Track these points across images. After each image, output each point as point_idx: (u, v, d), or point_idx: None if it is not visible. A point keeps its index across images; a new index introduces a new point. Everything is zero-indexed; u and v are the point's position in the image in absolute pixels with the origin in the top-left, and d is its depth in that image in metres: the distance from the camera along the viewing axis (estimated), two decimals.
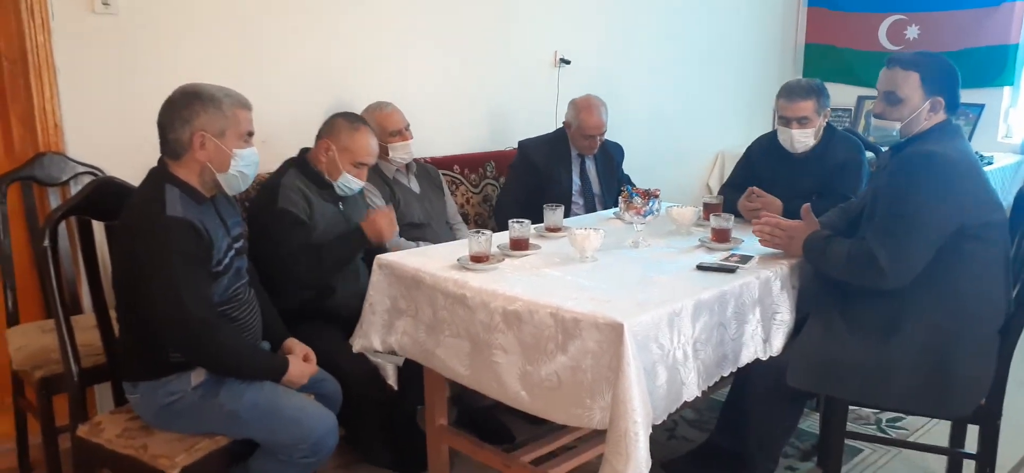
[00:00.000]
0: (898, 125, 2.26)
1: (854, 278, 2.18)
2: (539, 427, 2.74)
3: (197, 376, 1.99)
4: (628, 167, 3.71)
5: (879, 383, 2.14)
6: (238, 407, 1.98)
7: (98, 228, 2.16)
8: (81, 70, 2.63)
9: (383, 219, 2.53)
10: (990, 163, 4.40)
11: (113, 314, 2.11)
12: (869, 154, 3.10)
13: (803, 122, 2.83)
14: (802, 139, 2.85)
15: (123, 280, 1.96)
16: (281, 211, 2.49)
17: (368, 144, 2.62)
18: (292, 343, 2.23)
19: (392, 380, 2.48)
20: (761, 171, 3.00)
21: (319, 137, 2.63)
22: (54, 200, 2.64)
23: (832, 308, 2.25)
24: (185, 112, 1.94)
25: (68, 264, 2.58)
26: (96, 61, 2.65)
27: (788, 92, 2.88)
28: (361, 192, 2.79)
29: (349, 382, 2.34)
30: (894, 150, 2.29)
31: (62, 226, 2.10)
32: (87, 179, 2.56)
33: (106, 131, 2.69)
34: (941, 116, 2.24)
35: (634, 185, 3.39)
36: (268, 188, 2.57)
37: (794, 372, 2.19)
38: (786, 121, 2.86)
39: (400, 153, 2.98)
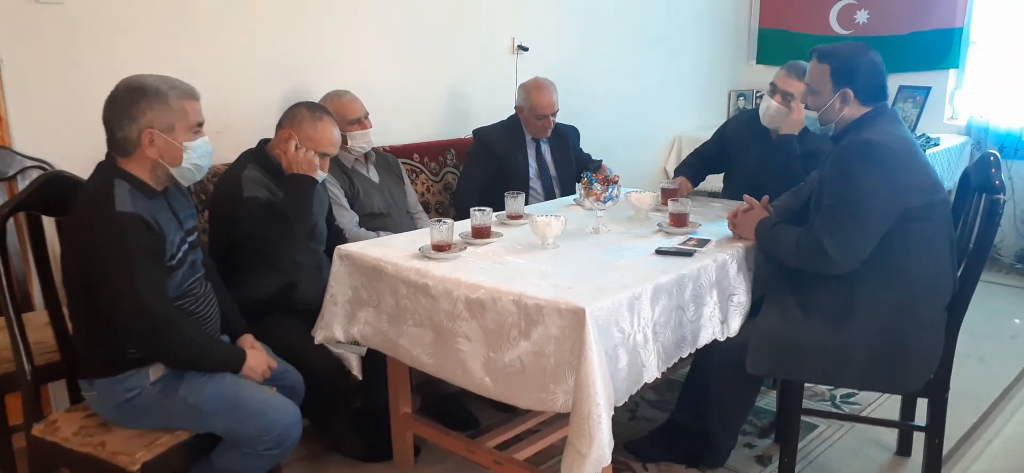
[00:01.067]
0: (815, 114, 2.32)
1: (804, 265, 2.24)
2: (504, 413, 2.76)
3: (156, 371, 1.96)
4: (585, 147, 3.73)
5: (837, 364, 2.20)
6: (199, 401, 1.96)
7: (48, 224, 2.11)
8: (26, 62, 2.55)
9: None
10: (937, 145, 4.52)
11: (66, 311, 2.06)
12: None
13: (786, 97, 2.89)
14: (776, 114, 2.90)
15: (75, 277, 1.92)
16: (248, 199, 2.42)
17: (332, 134, 2.57)
18: (247, 339, 2.20)
19: (356, 370, 2.47)
20: (735, 146, 3.06)
21: (280, 126, 2.57)
22: (1, 196, 2.56)
23: (787, 294, 2.31)
24: (131, 109, 1.87)
25: (17, 261, 2.51)
26: (41, 52, 2.58)
27: (789, 67, 2.93)
28: (322, 183, 2.76)
29: (313, 373, 2.33)
30: (834, 139, 2.34)
31: (10, 222, 2.04)
32: (35, 173, 2.50)
33: (53, 124, 2.62)
34: (857, 106, 2.25)
35: (595, 163, 3.45)
36: (229, 180, 2.50)
37: (754, 359, 2.24)
38: (773, 89, 2.92)
39: (359, 142, 2.96)
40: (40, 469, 2.03)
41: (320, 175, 2.53)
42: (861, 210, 2.11)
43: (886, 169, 2.10)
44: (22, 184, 2.51)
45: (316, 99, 2.98)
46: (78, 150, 2.43)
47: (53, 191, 2.04)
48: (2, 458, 2.34)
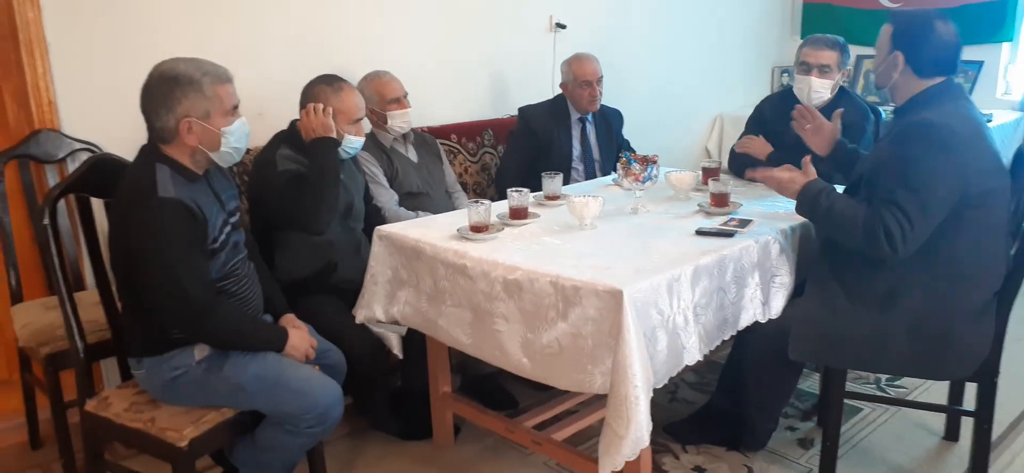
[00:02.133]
0: (873, 74, 2.28)
1: (865, 248, 2.11)
2: (542, 393, 2.77)
3: (201, 351, 2.00)
4: (626, 132, 3.70)
5: (879, 351, 2.15)
6: (243, 380, 2.00)
7: (97, 205, 2.17)
8: (72, 45, 2.61)
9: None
10: (990, 120, 4.38)
11: (115, 290, 2.12)
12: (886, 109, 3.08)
13: (824, 70, 2.85)
14: (820, 89, 2.86)
15: (121, 260, 1.96)
16: (282, 172, 2.45)
17: (355, 100, 2.60)
18: (289, 319, 2.23)
19: (397, 349, 2.50)
20: (772, 126, 3.00)
21: (303, 106, 2.58)
22: (51, 177, 2.63)
23: (830, 278, 2.24)
24: (167, 100, 1.89)
25: (69, 241, 2.58)
26: (88, 36, 2.63)
27: (813, 41, 2.90)
28: (356, 162, 2.78)
29: (354, 353, 2.36)
30: (896, 116, 2.28)
31: (61, 204, 2.10)
32: (84, 156, 2.57)
33: (101, 107, 2.68)
34: (911, 76, 2.18)
35: (633, 151, 3.42)
36: (264, 163, 2.54)
37: (796, 346, 2.20)
38: (807, 68, 2.87)
39: (399, 121, 2.97)
40: (93, 444, 2.10)
41: (360, 141, 2.57)
42: (925, 195, 2.02)
43: (950, 152, 2.02)
44: (71, 166, 2.58)
45: (355, 79, 2.99)
46: (125, 132, 2.48)
47: (101, 173, 2.09)
48: (58, 432, 2.42)
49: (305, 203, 2.41)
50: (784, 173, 2.34)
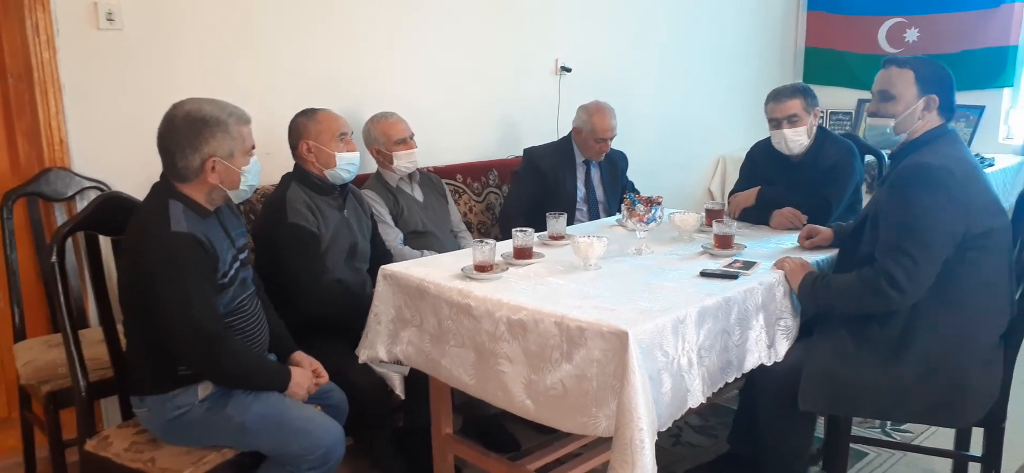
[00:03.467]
0: (892, 122, 2.24)
1: (868, 307, 2.12)
2: (546, 435, 2.75)
3: (204, 389, 2.00)
4: (630, 174, 3.72)
5: (893, 401, 2.13)
6: (245, 419, 1.99)
7: (104, 243, 2.18)
8: (86, 86, 2.65)
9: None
10: (991, 165, 4.40)
11: (120, 328, 2.12)
12: (869, 158, 3.10)
13: (793, 120, 2.87)
14: (795, 137, 2.88)
15: (131, 295, 1.97)
16: (293, 226, 2.50)
17: (333, 118, 2.65)
18: (300, 356, 2.24)
19: (399, 390, 2.49)
20: (763, 171, 3.04)
21: (294, 148, 2.65)
22: (60, 216, 2.65)
23: (839, 325, 2.22)
24: (194, 140, 1.93)
25: (74, 279, 2.59)
26: (101, 76, 2.67)
27: (775, 95, 2.93)
28: (362, 201, 2.80)
29: (357, 393, 2.35)
30: (892, 161, 2.28)
31: (69, 241, 2.11)
32: (93, 194, 2.58)
33: (111, 146, 2.71)
34: (935, 118, 2.21)
35: (637, 192, 3.44)
36: (274, 203, 2.58)
37: (805, 396, 2.16)
38: (777, 123, 2.90)
39: (404, 161, 3.00)
40: None
41: (355, 156, 2.64)
42: (925, 236, 2.02)
43: (949, 190, 2.03)
44: (81, 204, 2.60)
45: (363, 119, 3.04)
46: (136, 171, 2.52)
47: (110, 212, 2.11)
48: (56, 472, 2.41)
49: (302, 264, 2.49)
50: (788, 266, 2.32)
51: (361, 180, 2.95)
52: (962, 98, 4.39)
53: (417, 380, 2.49)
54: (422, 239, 3.02)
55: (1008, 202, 2.31)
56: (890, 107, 2.25)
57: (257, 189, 2.83)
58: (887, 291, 2.05)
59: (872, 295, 2.09)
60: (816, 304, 2.23)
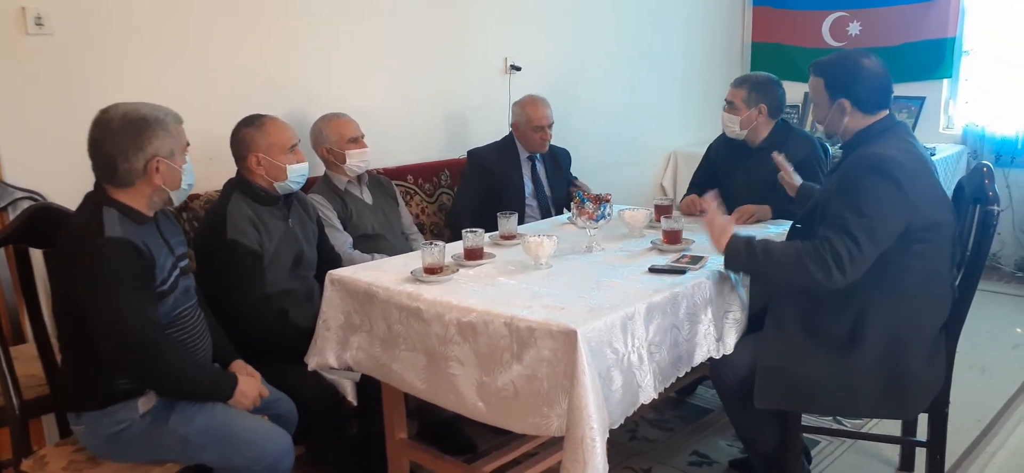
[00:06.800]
0: (821, 126, 2.34)
1: (803, 278, 2.10)
2: (502, 436, 2.73)
3: (145, 403, 1.94)
4: (581, 170, 3.73)
5: (846, 396, 2.16)
6: (189, 431, 1.94)
7: (35, 256, 2.10)
8: (16, 93, 2.54)
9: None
10: (933, 154, 4.51)
11: (55, 343, 2.04)
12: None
13: (729, 106, 3.03)
14: (728, 123, 3.04)
15: (64, 306, 1.90)
16: (231, 242, 2.41)
17: (283, 130, 2.56)
18: (240, 365, 2.18)
19: (351, 396, 2.45)
20: (719, 166, 3.15)
21: (241, 159, 2.54)
22: None
23: (791, 319, 2.23)
24: (137, 140, 1.88)
25: (9, 292, 2.49)
26: (32, 83, 2.57)
27: (734, 80, 3.10)
28: (308, 207, 2.75)
29: (307, 401, 2.30)
30: (845, 151, 2.32)
31: (1, 255, 2.03)
32: (26, 204, 2.48)
33: (44, 155, 2.61)
34: (859, 116, 2.23)
35: (577, 184, 3.47)
36: (214, 215, 2.49)
37: (761, 393, 2.18)
38: (726, 104, 3.07)
39: (357, 160, 2.95)
40: None
41: (305, 166, 2.58)
42: (872, 224, 2.05)
43: (899, 182, 2.06)
44: (13, 215, 2.50)
45: (310, 122, 2.99)
46: (70, 180, 2.41)
47: (41, 223, 2.03)
48: None
49: (236, 282, 2.42)
50: (716, 223, 2.31)
51: (308, 184, 2.89)
52: (903, 89, 4.49)
53: (369, 386, 2.45)
54: (372, 242, 2.97)
55: (948, 188, 2.35)
56: (816, 113, 2.36)
57: (200, 196, 2.79)
58: (830, 266, 2.05)
59: (814, 268, 2.07)
60: (747, 267, 2.24)
